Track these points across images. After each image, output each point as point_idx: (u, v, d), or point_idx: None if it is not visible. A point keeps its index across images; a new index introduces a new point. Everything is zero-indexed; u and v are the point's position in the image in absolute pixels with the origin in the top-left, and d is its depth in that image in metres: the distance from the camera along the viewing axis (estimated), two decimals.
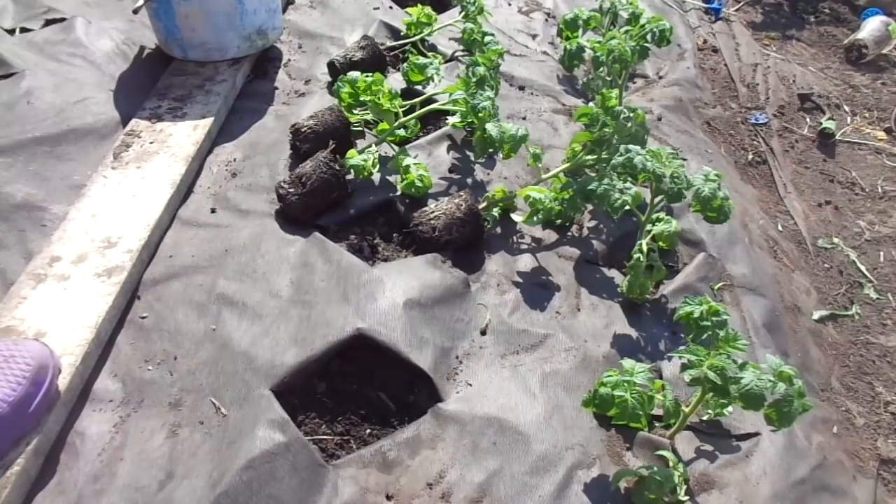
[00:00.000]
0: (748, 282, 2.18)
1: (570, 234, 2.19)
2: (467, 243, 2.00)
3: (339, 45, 2.79)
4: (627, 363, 1.56)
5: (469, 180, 2.28)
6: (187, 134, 2.16)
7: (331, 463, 1.47)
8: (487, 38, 2.71)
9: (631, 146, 1.94)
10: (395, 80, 2.57)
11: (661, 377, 1.79)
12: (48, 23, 2.55)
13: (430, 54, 2.67)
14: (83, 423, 1.47)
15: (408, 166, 2.09)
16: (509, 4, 3.52)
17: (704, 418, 1.73)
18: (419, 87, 2.53)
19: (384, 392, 1.65)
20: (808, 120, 3.51)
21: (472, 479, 1.47)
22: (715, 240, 2.28)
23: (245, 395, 1.53)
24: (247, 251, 1.88)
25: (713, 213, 1.93)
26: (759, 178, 3.10)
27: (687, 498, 1.50)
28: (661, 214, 2.09)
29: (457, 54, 2.89)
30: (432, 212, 1.98)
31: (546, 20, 3.46)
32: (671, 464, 1.50)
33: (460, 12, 2.87)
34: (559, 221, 2.16)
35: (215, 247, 1.90)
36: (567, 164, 2.25)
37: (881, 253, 2.79)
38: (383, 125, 2.24)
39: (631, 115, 2.12)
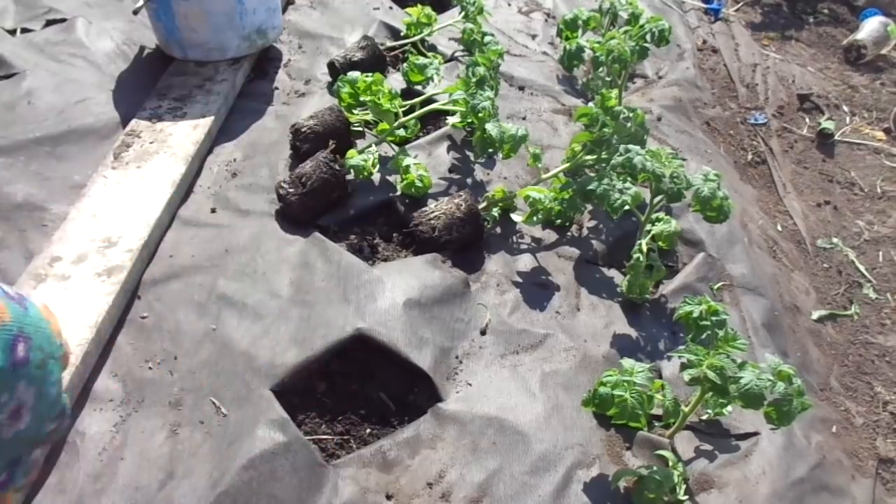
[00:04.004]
0: (748, 282, 2.18)
1: (569, 234, 2.19)
2: (467, 243, 2.00)
3: (339, 45, 2.79)
4: (627, 363, 1.56)
5: (469, 180, 2.28)
6: (187, 133, 2.16)
7: (331, 463, 1.48)
8: (487, 38, 2.71)
9: (630, 146, 1.94)
10: (395, 80, 2.57)
11: (660, 377, 1.79)
12: (49, 23, 2.55)
13: (430, 54, 2.67)
14: (84, 422, 1.47)
15: (408, 166, 2.09)
16: (509, 4, 3.52)
17: (704, 418, 1.73)
18: (419, 87, 2.53)
19: (384, 392, 1.66)
20: (807, 120, 3.51)
21: (472, 478, 1.48)
22: (714, 240, 2.28)
23: (245, 395, 1.54)
24: (247, 251, 1.88)
25: (713, 212, 1.94)
26: (759, 178, 3.10)
27: (686, 497, 1.50)
28: (661, 214, 2.09)
29: (457, 54, 2.90)
30: (432, 212, 1.98)
31: (546, 20, 3.46)
32: (671, 463, 1.51)
33: (460, 12, 2.87)
34: (559, 221, 2.16)
35: (215, 247, 1.90)
36: (567, 164, 2.25)
37: (880, 253, 2.79)
38: (383, 125, 2.24)
39: (630, 115, 2.12)
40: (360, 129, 2.34)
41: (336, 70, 2.52)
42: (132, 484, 1.38)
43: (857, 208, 3.03)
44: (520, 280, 1.98)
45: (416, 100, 2.35)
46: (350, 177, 2.08)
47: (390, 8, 3.16)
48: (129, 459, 1.42)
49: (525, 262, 2.04)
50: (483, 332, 1.80)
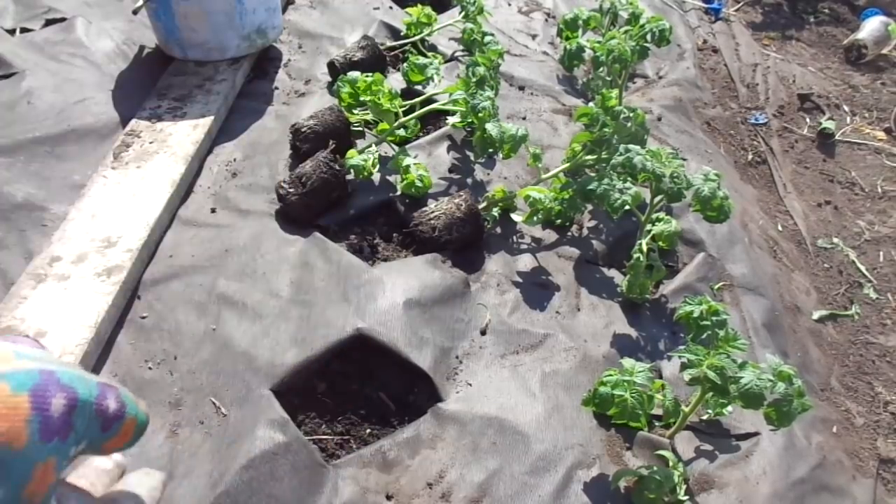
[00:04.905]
0: (748, 282, 2.18)
1: (570, 234, 2.19)
2: (467, 243, 2.00)
3: (339, 45, 2.79)
4: (627, 363, 1.56)
5: (469, 180, 2.28)
6: (187, 133, 2.16)
7: (331, 463, 1.47)
8: (487, 38, 2.71)
9: (631, 146, 1.94)
10: (395, 80, 2.57)
11: (660, 377, 1.79)
12: (48, 23, 2.55)
13: (430, 54, 2.67)
14: None
15: (408, 166, 2.09)
16: (509, 4, 3.52)
17: (704, 418, 1.73)
18: (419, 87, 2.53)
19: (384, 392, 1.65)
20: (807, 120, 3.51)
21: (472, 478, 1.48)
22: (715, 240, 2.28)
23: (245, 395, 1.54)
24: (247, 251, 1.88)
25: (713, 212, 1.93)
26: (759, 178, 3.10)
27: (686, 498, 1.50)
28: (661, 214, 2.09)
29: (457, 54, 2.89)
30: (432, 212, 1.98)
31: (546, 20, 3.46)
32: (671, 463, 1.51)
33: (460, 12, 2.87)
34: (559, 221, 2.16)
35: (215, 247, 1.90)
36: (567, 164, 2.25)
37: (881, 253, 2.79)
38: (383, 125, 2.24)
39: (631, 115, 2.12)
40: (360, 129, 2.34)
41: (336, 70, 2.52)
42: None
43: (857, 208, 3.03)
44: (520, 280, 1.98)
45: (416, 100, 2.35)
46: (350, 177, 2.08)
47: (390, 8, 3.16)
48: (129, 460, 1.42)
49: (525, 262, 2.04)
50: (483, 332, 1.80)
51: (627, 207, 1.89)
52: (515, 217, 2.14)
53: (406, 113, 2.30)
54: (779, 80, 3.73)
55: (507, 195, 2.11)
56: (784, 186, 3.05)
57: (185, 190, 2.05)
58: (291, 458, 1.41)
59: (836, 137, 3.40)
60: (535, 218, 2.06)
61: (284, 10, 2.96)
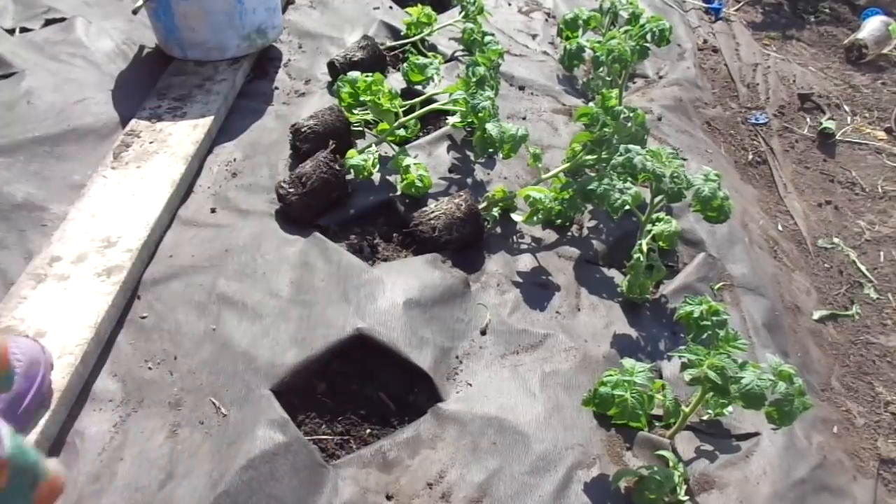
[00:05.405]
0: (748, 282, 2.18)
1: (570, 234, 2.19)
2: (467, 243, 2.00)
3: (339, 45, 2.79)
4: (627, 363, 1.56)
5: (469, 180, 2.28)
6: (187, 133, 2.16)
7: (331, 463, 1.47)
8: (487, 38, 2.71)
9: (631, 146, 1.94)
10: (395, 80, 2.57)
11: (661, 377, 1.79)
12: (48, 23, 2.55)
13: (430, 54, 2.67)
14: (83, 422, 1.47)
15: (408, 166, 2.08)
16: (509, 4, 3.51)
17: (704, 418, 1.73)
18: (419, 87, 2.53)
19: (384, 392, 1.65)
20: (808, 120, 3.51)
21: (472, 478, 1.47)
22: (715, 240, 2.28)
23: (245, 395, 1.53)
24: (247, 251, 1.88)
25: (713, 212, 1.93)
26: (759, 178, 3.10)
27: (687, 498, 1.50)
28: (661, 214, 2.09)
29: (457, 54, 2.89)
30: (432, 212, 1.98)
31: (546, 20, 3.46)
32: (671, 464, 1.50)
33: (460, 12, 2.87)
34: (559, 221, 2.16)
35: (215, 247, 1.90)
36: (567, 164, 2.25)
37: (881, 253, 2.79)
38: (383, 125, 2.24)
39: (631, 115, 2.12)
40: (360, 129, 2.34)
41: (336, 70, 2.51)
42: (132, 484, 1.38)
43: (858, 208, 3.03)
44: (520, 280, 1.98)
45: (416, 100, 2.35)
46: (350, 177, 2.08)
47: (390, 8, 3.16)
48: (129, 460, 1.42)
49: (525, 262, 2.04)
50: (483, 332, 1.80)
51: (627, 207, 1.89)
52: (515, 217, 2.14)
53: (406, 113, 2.30)
54: (779, 79, 3.72)
55: (507, 195, 2.11)
56: (784, 186, 3.05)
57: (185, 190, 2.05)
58: (291, 458, 1.41)
59: (837, 137, 3.40)
60: (535, 218, 2.06)
61: (284, 10, 2.96)
